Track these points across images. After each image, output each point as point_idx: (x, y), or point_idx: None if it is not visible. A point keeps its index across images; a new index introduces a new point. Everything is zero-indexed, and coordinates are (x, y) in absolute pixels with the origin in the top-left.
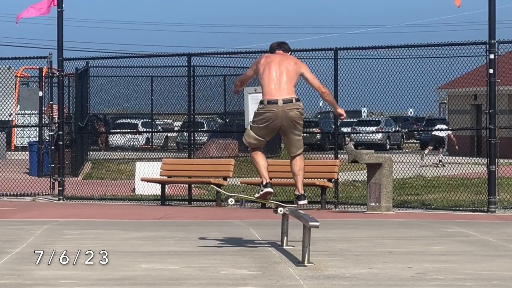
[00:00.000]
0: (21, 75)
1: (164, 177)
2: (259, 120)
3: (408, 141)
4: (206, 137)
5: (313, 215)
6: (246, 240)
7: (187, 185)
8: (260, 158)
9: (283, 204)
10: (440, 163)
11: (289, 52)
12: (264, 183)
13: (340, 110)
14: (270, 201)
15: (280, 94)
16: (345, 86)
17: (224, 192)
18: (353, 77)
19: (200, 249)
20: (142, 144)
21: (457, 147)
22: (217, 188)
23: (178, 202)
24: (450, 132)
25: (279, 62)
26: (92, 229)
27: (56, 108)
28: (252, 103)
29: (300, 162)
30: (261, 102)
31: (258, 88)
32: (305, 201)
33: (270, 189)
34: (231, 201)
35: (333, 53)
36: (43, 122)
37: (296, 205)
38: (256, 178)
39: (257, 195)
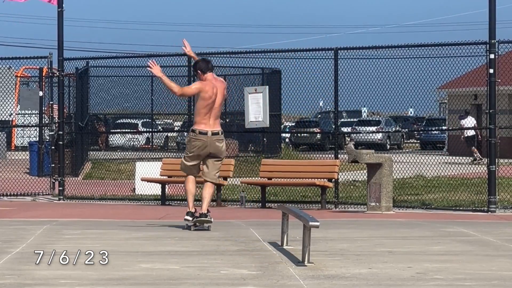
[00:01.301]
0: (22, 75)
1: (165, 177)
2: (193, 147)
3: (408, 141)
4: None
5: (313, 215)
6: (246, 240)
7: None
8: (192, 183)
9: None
10: (476, 161)
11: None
12: (188, 209)
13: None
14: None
15: (210, 126)
16: (346, 86)
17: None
18: (353, 77)
19: (200, 249)
20: (142, 144)
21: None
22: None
23: (179, 202)
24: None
25: (216, 95)
26: (92, 229)
27: (56, 108)
28: (252, 102)
29: (210, 188)
30: (193, 131)
31: (258, 88)
32: (207, 219)
33: (189, 218)
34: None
35: (334, 53)
36: (43, 122)
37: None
38: (256, 178)
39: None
